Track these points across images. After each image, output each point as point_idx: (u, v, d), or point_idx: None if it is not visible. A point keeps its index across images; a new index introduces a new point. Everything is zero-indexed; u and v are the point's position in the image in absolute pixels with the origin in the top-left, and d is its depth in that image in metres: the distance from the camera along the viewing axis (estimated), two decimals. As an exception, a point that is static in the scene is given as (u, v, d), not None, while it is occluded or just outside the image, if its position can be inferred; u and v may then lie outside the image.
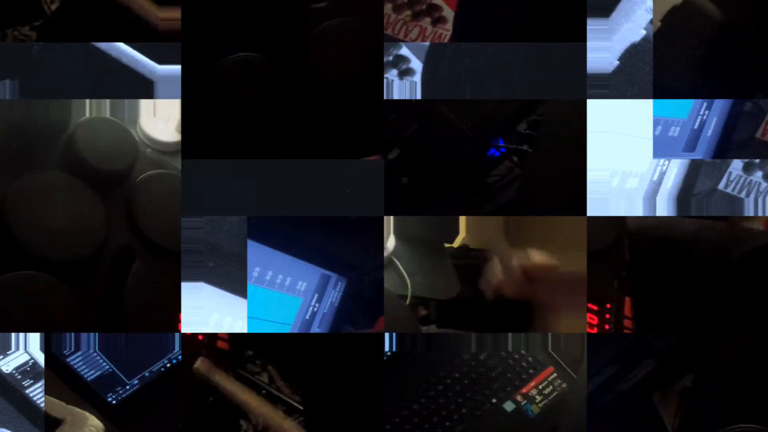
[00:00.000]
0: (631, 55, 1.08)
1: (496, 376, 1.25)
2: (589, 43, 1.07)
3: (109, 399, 1.16)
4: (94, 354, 1.15)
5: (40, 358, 1.06)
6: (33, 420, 1.04)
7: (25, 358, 1.06)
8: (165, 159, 1.25)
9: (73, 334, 1.08)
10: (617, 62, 1.08)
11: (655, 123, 1.11)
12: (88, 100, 1.16)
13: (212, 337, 1.10)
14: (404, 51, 1.14)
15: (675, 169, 1.13)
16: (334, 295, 1.16)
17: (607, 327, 1.12)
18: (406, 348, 1.17)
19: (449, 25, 1.21)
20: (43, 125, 1.12)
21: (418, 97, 1.11)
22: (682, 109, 1.14)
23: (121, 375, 1.17)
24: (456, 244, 1.38)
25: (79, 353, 1.13)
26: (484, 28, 1.09)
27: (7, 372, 1.05)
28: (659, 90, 1.09)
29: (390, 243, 1.27)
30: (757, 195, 1.12)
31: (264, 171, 1.08)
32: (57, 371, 1.11)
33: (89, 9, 1.09)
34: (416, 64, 1.14)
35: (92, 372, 1.15)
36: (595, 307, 1.06)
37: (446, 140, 1.17)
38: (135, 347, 1.17)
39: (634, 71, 1.09)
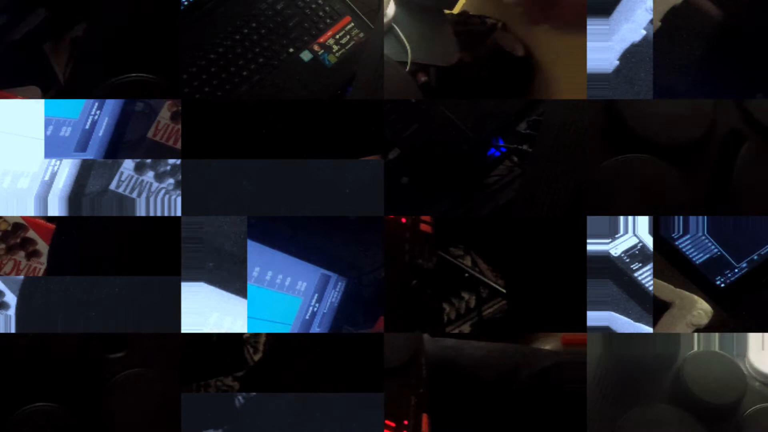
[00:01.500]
0: (631, 55, 1.08)
1: (293, 26, 1.25)
2: (589, 44, 1.07)
3: (718, 282, 1.13)
4: (703, 237, 1.12)
5: (649, 241, 1.06)
6: (641, 303, 1.04)
7: (633, 241, 1.06)
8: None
9: (681, 217, 1.07)
10: (617, 62, 1.07)
11: (47, 123, 1.09)
12: (696, 334, 1.15)
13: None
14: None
15: (66, 169, 1.11)
16: (334, 295, 1.16)
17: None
18: None
19: (43, 259, 1.23)
20: (651, 357, 1.12)
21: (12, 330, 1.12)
22: (74, 109, 1.12)
23: (729, 258, 1.13)
24: (456, 10, 1.39)
25: (688, 236, 1.11)
26: (78, 261, 1.10)
27: (616, 255, 1.05)
28: (660, 90, 1.09)
29: (390, 9, 1.27)
30: (149, 194, 1.11)
31: (264, 171, 1.08)
32: (665, 254, 1.09)
33: (291, 360, 1.11)
34: (10, 297, 1.16)
35: (700, 255, 1.12)
36: (392, 424, 1.05)
37: (446, 140, 1.17)
38: (743, 230, 1.13)
39: (635, 71, 1.08)
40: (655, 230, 1.06)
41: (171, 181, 1.12)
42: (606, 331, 1.06)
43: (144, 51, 1.07)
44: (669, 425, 1.07)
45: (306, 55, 1.23)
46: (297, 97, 1.21)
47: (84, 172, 1.11)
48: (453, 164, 1.19)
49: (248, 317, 1.07)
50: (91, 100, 1.11)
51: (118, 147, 1.14)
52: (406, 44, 1.24)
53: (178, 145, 1.13)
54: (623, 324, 1.05)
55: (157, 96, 1.09)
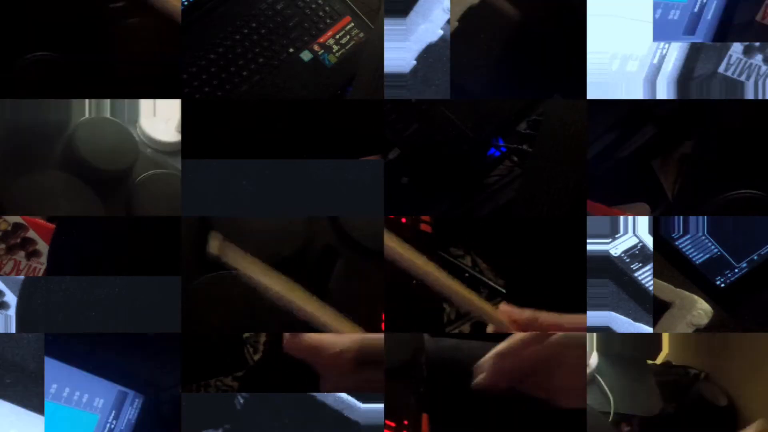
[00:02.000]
0: (428, 55, 1.07)
1: (293, 26, 1.25)
2: (386, 44, 1.06)
3: (718, 282, 1.15)
4: (703, 237, 1.14)
5: (649, 241, 1.07)
6: (641, 303, 1.05)
7: (633, 241, 1.06)
8: (165, 159, 1.25)
9: (681, 217, 1.09)
10: (414, 62, 1.07)
11: (656, 6, 1.11)
12: (87, 100, 1.16)
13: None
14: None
15: (675, 53, 1.12)
16: (131, 412, 1.15)
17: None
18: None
19: (43, 259, 1.24)
20: (43, 125, 1.12)
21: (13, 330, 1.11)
22: None
23: (729, 258, 1.15)
24: (659, 360, 1.41)
25: (688, 236, 1.13)
26: (78, 261, 1.10)
27: (616, 255, 1.06)
28: (456, 90, 1.08)
29: (593, 360, 1.30)
30: (757, 78, 1.11)
31: (264, 170, 1.08)
32: (665, 254, 1.11)
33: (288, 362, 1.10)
34: (10, 297, 1.16)
35: (700, 255, 1.14)
36: (392, 424, 1.05)
37: (446, 140, 1.17)
38: (743, 230, 1.15)
39: (432, 71, 1.07)
40: (655, 230, 1.07)
41: None
42: (606, 331, 1.06)
43: (753, 166, 1.08)
44: (60, 192, 1.07)
45: (306, 55, 1.24)
46: (297, 97, 1.21)
47: (692, 56, 1.12)
48: (453, 164, 1.19)
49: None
50: None
51: (726, 30, 1.15)
52: (609, 395, 1.28)
53: None
54: (623, 324, 1.05)
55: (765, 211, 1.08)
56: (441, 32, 1.06)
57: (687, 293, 1.05)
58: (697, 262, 1.14)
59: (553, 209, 1.09)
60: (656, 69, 1.11)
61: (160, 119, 1.26)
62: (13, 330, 1.10)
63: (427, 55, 1.06)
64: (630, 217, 1.07)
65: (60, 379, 1.07)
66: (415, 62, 1.06)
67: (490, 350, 1.14)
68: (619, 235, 1.06)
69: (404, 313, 1.10)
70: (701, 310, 1.04)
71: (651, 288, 1.06)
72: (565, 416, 1.07)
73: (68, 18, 1.10)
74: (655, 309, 1.05)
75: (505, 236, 1.20)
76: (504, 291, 1.18)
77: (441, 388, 1.11)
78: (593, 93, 1.09)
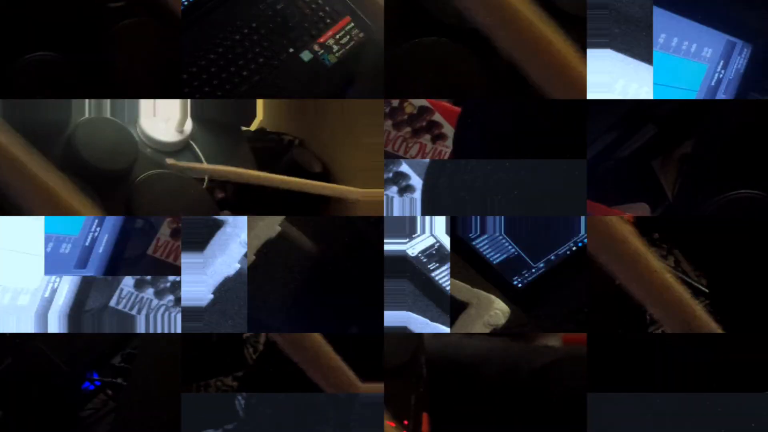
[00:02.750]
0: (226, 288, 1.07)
1: (293, 26, 1.25)
2: (183, 276, 1.06)
3: (515, 282, 1.14)
4: (500, 237, 1.13)
5: (446, 241, 1.06)
6: (439, 303, 1.04)
7: (431, 241, 1.06)
8: (165, 158, 1.25)
9: (478, 217, 1.07)
10: (212, 296, 1.06)
11: (47, 239, 1.10)
12: (87, 100, 1.16)
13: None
14: (404, 168, 1.15)
15: (66, 286, 1.12)
16: (739, 61, 1.12)
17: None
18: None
19: (449, 142, 1.22)
20: (43, 125, 1.13)
21: (418, 213, 1.10)
22: (74, 225, 1.13)
23: (526, 258, 1.15)
24: (253, 127, 1.40)
25: (485, 236, 1.12)
26: (484, 144, 1.07)
27: (413, 255, 1.05)
28: (253, 323, 1.07)
29: (187, 125, 1.27)
30: (149, 311, 1.13)
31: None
32: (463, 254, 1.10)
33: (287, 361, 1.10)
34: (416, 181, 1.14)
35: (498, 255, 1.13)
36: (392, 424, 1.04)
37: (40, 374, 1.15)
38: (540, 230, 1.14)
39: (229, 304, 1.07)
40: (452, 230, 1.06)
41: (171, 297, 1.13)
42: (403, 331, 1.05)
43: (754, 167, 1.07)
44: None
45: (306, 55, 1.23)
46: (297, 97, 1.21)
47: (84, 289, 1.12)
48: (47, 398, 1.17)
49: (654, 83, 1.07)
50: (91, 217, 1.12)
51: (118, 264, 1.16)
52: (203, 160, 1.26)
53: (178, 262, 1.13)
54: (420, 324, 1.04)
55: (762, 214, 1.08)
56: (238, 266, 1.06)
57: (484, 293, 1.04)
58: (494, 262, 1.12)
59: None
60: (48, 302, 1.11)
61: (160, 119, 1.26)
62: (418, 213, 1.09)
63: (225, 288, 1.06)
64: (427, 217, 1.05)
65: (669, 28, 1.07)
66: (212, 295, 1.05)
67: (489, 350, 1.14)
68: (416, 235, 1.05)
69: (609, 313, 1.09)
70: (498, 310, 1.03)
71: (448, 288, 1.04)
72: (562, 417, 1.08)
73: (68, 18, 1.10)
74: (453, 309, 1.03)
75: (709, 236, 1.19)
76: (707, 291, 1.18)
77: (441, 388, 1.11)
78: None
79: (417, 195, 1.13)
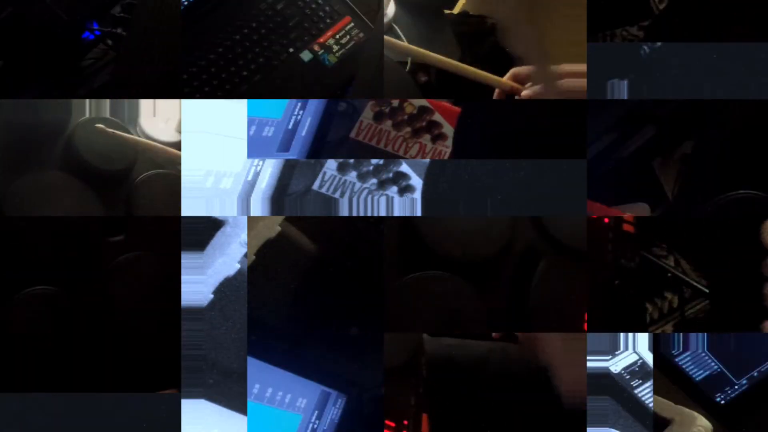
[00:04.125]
0: (226, 288, 1.06)
1: (293, 26, 1.24)
2: (183, 277, 1.05)
3: (718, 399, 1.16)
4: (703, 354, 1.15)
5: (649, 358, 1.06)
6: (641, 419, 1.04)
7: (633, 358, 1.06)
8: (165, 159, 1.25)
9: (681, 333, 1.10)
10: (212, 296, 1.05)
11: (250, 122, 1.10)
12: (87, 100, 1.16)
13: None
14: (404, 168, 1.14)
15: (269, 169, 1.11)
16: (334, 412, 1.15)
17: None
18: None
19: (449, 142, 1.21)
20: (43, 125, 1.13)
21: (418, 213, 1.10)
22: (277, 109, 1.13)
23: (729, 374, 1.16)
24: (456, 10, 1.35)
25: (688, 353, 1.14)
26: (484, 144, 1.08)
27: (616, 372, 1.06)
28: (253, 324, 1.06)
29: (390, 9, 1.26)
30: (351, 195, 1.11)
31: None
32: (665, 371, 1.12)
33: (697, 8, 1.10)
34: (416, 181, 1.14)
35: (701, 372, 1.15)
36: (392, 424, 1.05)
37: (40, 24, 1.15)
38: (743, 347, 1.15)
39: (230, 305, 1.06)
40: (655, 347, 1.07)
41: (374, 180, 1.12)
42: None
43: (754, 168, 1.07)
44: (61, 191, 1.08)
45: (306, 55, 1.23)
46: (295, 97, 1.21)
47: (287, 172, 1.11)
48: (47, 47, 1.18)
49: (249, 434, 1.08)
50: (294, 101, 1.12)
51: (320, 147, 1.15)
52: (405, 42, 1.24)
53: (381, 145, 1.14)
54: None
55: (762, 215, 1.08)
56: (238, 265, 1.06)
57: (687, 410, 1.04)
58: (697, 379, 1.15)
59: (148, 92, 1.11)
60: (250, 186, 1.10)
61: (160, 119, 1.26)
62: (418, 213, 1.09)
63: (225, 288, 1.06)
64: (630, 335, 1.06)
65: (263, 379, 1.07)
66: (212, 296, 1.05)
67: (489, 351, 1.14)
68: (619, 351, 1.06)
69: (607, 312, 1.09)
70: (701, 426, 1.02)
71: (651, 405, 1.05)
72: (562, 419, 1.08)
73: (67, 252, 1.12)
74: (656, 425, 1.04)
75: (708, 236, 1.20)
76: (707, 291, 1.19)
77: (441, 388, 1.11)
78: (188, 210, 1.07)
79: (417, 195, 1.12)
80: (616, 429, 1.03)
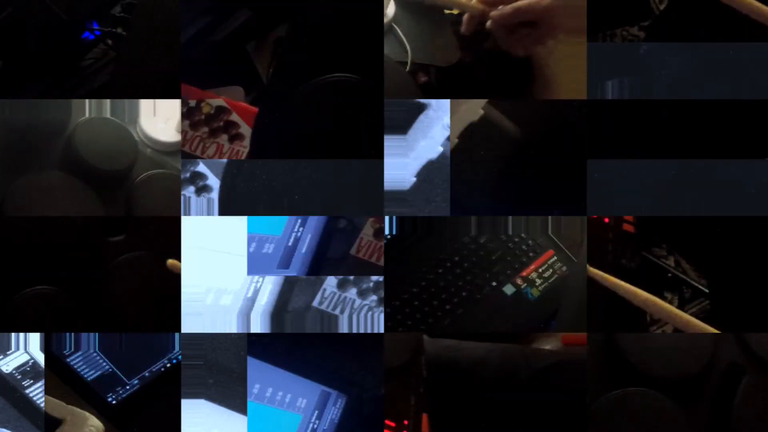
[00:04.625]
0: (428, 171, 1.06)
1: (496, 259, 1.26)
2: (386, 160, 1.04)
3: (109, 399, 1.17)
4: (94, 354, 1.15)
5: (40, 358, 1.06)
6: (33, 420, 1.03)
7: (25, 358, 1.05)
8: (165, 159, 1.25)
9: (72, 333, 1.09)
10: (414, 179, 1.05)
11: (250, 239, 1.10)
12: (87, 100, 1.16)
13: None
14: (201, 168, 1.14)
15: (269, 286, 1.11)
16: (334, 412, 1.15)
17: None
18: (405, 231, 1.18)
19: (246, 142, 1.21)
20: (43, 125, 1.13)
21: (216, 214, 1.10)
22: (277, 226, 1.12)
23: (121, 375, 1.17)
24: (456, 10, 1.35)
25: (79, 353, 1.13)
26: (281, 144, 1.06)
27: (7, 372, 1.05)
28: (457, 207, 1.07)
29: (390, 9, 1.25)
30: (351, 311, 1.12)
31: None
32: (57, 371, 1.12)
33: (696, 9, 1.09)
34: (213, 181, 1.14)
35: (92, 372, 1.15)
36: (392, 424, 1.04)
37: (40, 24, 1.15)
38: (134, 347, 1.17)
39: (432, 188, 1.06)
40: (46, 347, 1.06)
41: (374, 297, 1.13)
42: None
43: (348, 51, 1.03)
44: (61, 191, 1.08)
45: (509, 289, 1.24)
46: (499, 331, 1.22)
47: (287, 289, 1.12)
48: (47, 48, 1.17)
49: (249, 432, 1.08)
50: (294, 217, 1.11)
51: (321, 264, 1.15)
52: (406, 44, 1.23)
53: (381, 262, 1.14)
54: None
55: (360, 97, 1.03)
56: (441, 149, 1.06)
57: (78, 410, 1.02)
58: (89, 379, 1.15)
59: (147, 92, 1.10)
60: (251, 302, 1.10)
61: (160, 119, 1.26)
62: (215, 214, 1.10)
63: (427, 171, 1.06)
64: (21, 335, 1.05)
65: (263, 379, 1.07)
66: (414, 179, 1.05)
67: (488, 351, 1.14)
68: (10, 351, 1.04)
69: (607, 313, 1.08)
70: (93, 426, 1.00)
71: (42, 405, 1.03)
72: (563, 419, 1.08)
73: (67, 251, 1.12)
74: (47, 425, 1.01)
75: (709, 236, 1.19)
76: (707, 291, 1.18)
77: (440, 388, 1.11)
78: (187, 327, 1.07)
79: (214, 195, 1.13)
80: (8, 429, 1.02)
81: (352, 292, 1.12)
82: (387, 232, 1.13)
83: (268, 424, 1.09)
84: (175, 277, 1.05)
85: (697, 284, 1.19)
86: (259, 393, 1.07)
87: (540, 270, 1.26)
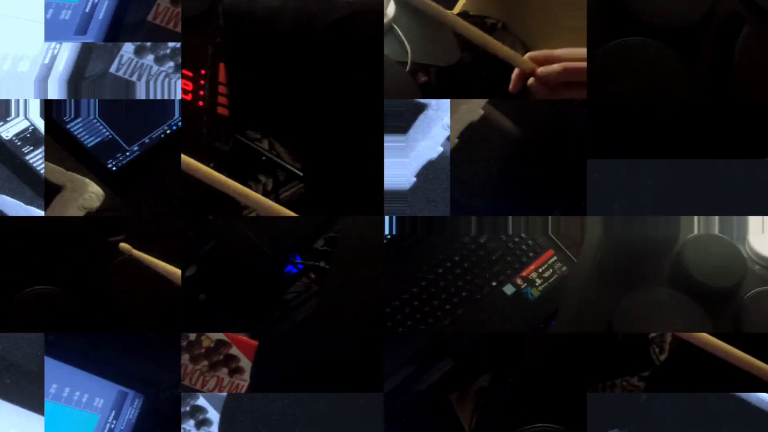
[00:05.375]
0: (428, 171, 1.07)
1: (496, 259, 1.26)
2: (386, 160, 1.05)
3: (109, 165, 1.15)
4: (94, 120, 1.13)
5: (40, 124, 1.06)
6: (33, 186, 1.04)
7: (25, 124, 1.06)
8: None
9: (73, 100, 1.08)
10: (414, 179, 1.07)
11: (47, 6, 1.09)
12: (696, 217, 1.15)
13: (212, 103, 1.08)
14: (201, 401, 1.16)
15: (66, 52, 1.10)
16: (131, 412, 1.15)
17: (201, 93, 1.11)
18: (405, 231, 1.17)
19: (246, 376, 1.22)
20: (651, 241, 1.13)
21: None
22: None
23: (120, 141, 1.15)
24: (456, 10, 1.37)
25: (79, 119, 1.12)
26: (281, 377, 1.10)
27: (6, 138, 1.05)
28: (457, 206, 1.08)
29: (390, 9, 1.25)
30: (149, 78, 1.11)
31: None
32: (57, 137, 1.10)
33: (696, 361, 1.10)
34: (213, 415, 1.15)
35: (92, 138, 1.14)
36: (189, 74, 1.05)
37: (243, 257, 1.17)
38: (135, 113, 1.15)
39: (432, 188, 1.08)
40: (47, 113, 1.06)
41: (171, 64, 1.11)
42: None
43: (550, 402, 1.08)
44: (668, 308, 1.07)
45: (509, 289, 1.24)
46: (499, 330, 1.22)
47: (84, 56, 1.11)
48: (250, 281, 1.19)
49: (46, 434, 1.07)
50: None
51: (118, 30, 1.13)
52: (406, 44, 1.23)
53: (178, 28, 1.11)
54: (14, 206, 1.05)
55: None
56: (441, 149, 1.06)
57: (78, 176, 1.04)
58: (89, 146, 1.12)
59: (352, 325, 1.10)
60: (48, 69, 1.09)
61: None
62: None
63: (427, 171, 1.07)
64: (21, 99, 1.05)
65: (60, 378, 1.07)
66: (414, 179, 1.06)
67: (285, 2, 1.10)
68: (10, 118, 1.05)
69: (200, 196, 1.08)
70: (92, 192, 1.04)
71: (43, 171, 1.04)
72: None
73: (67, 251, 1.12)
74: (47, 192, 1.03)
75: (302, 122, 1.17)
76: (301, 174, 1.18)
77: (237, 38, 1.10)
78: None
79: (214, 429, 1.14)
80: (8, 196, 1.03)
81: (149, 59, 1.11)
82: (387, 232, 1.13)
83: (65, 424, 1.09)
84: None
85: (291, 167, 1.18)
86: (56, 393, 1.07)
87: (540, 270, 1.26)
